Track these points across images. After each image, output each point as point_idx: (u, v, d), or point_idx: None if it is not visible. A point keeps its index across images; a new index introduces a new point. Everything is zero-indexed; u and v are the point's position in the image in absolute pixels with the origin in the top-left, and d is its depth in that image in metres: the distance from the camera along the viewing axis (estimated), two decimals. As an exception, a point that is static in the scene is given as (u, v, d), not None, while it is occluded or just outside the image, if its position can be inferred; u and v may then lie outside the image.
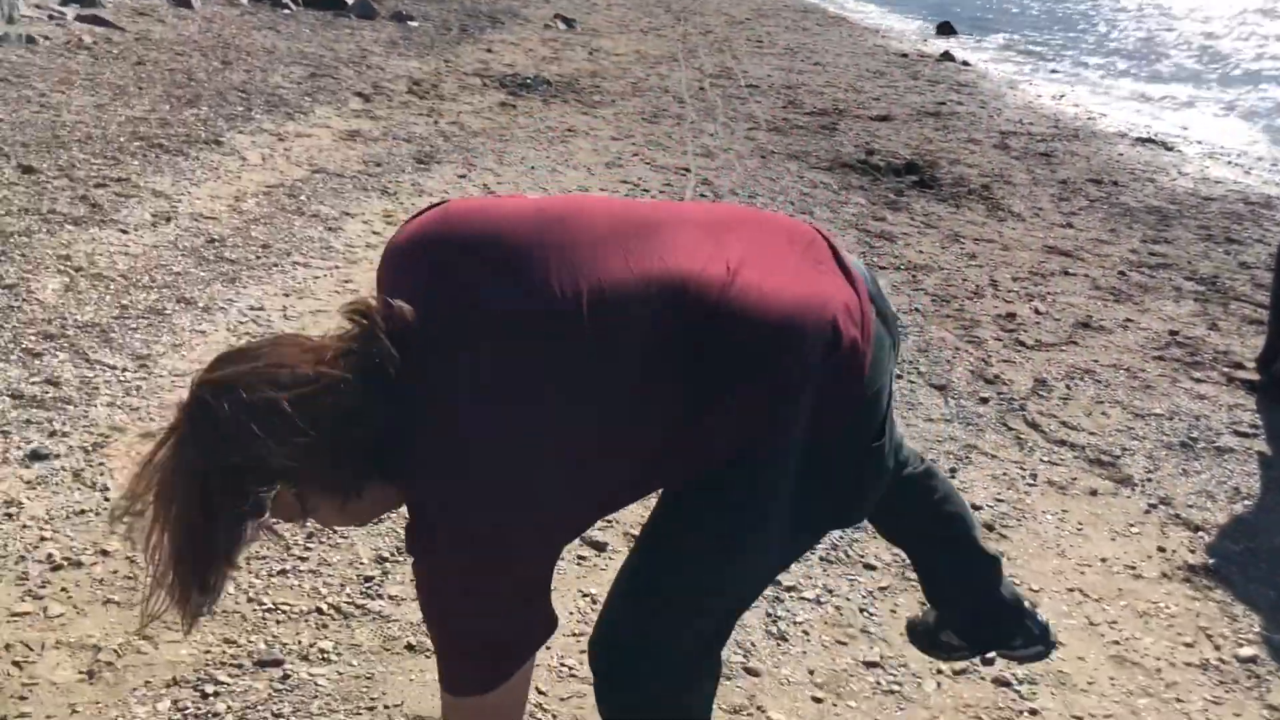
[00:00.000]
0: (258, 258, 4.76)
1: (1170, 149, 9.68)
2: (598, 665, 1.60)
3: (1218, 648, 2.74)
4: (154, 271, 4.46)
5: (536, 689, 2.34)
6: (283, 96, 7.79)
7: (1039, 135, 9.31)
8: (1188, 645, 2.74)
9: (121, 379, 3.54)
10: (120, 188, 5.40)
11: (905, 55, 14.12)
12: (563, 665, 2.45)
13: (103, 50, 8.48)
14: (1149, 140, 9.78)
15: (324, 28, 11.27)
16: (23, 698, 2.19)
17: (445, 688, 1.46)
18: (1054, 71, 14.22)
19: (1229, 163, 9.33)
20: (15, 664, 2.27)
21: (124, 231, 4.85)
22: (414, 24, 12.65)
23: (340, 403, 1.28)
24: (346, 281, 4.62)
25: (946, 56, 13.91)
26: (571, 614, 2.62)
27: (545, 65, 10.99)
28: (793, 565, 2.92)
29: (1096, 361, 4.50)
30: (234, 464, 1.25)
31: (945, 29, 17.48)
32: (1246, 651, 2.72)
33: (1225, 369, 4.53)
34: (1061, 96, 11.98)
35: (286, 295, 4.39)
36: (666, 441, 1.45)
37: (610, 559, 2.87)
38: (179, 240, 4.85)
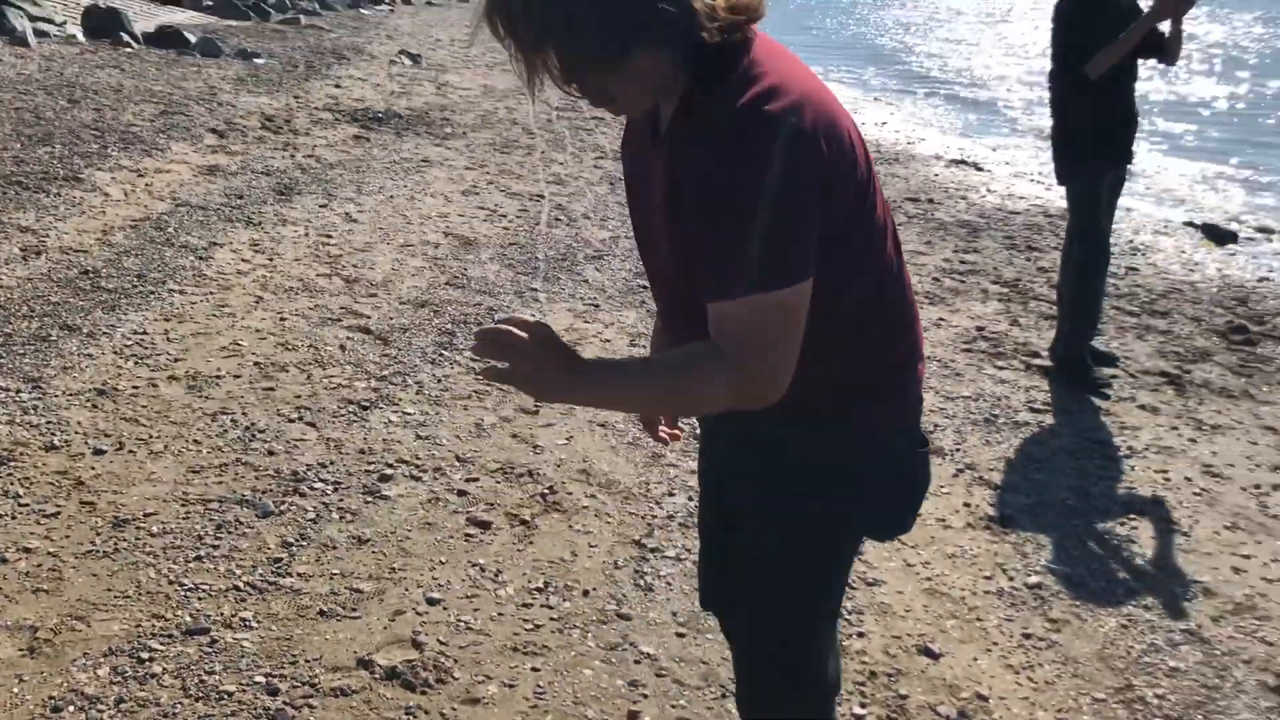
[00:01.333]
0: (134, 286, 4.94)
1: (980, 169, 10.58)
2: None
3: (1010, 579, 3.26)
4: (32, 302, 4.61)
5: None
6: (137, 134, 7.88)
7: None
8: (986, 578, 3.26)
9: (17, 399, 3.73)
10: (-16, 224, 5.50)
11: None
12: (459, 620, 2.80)
13: (-57, 90, 8.40)
14: (961, 162, 10.67)
15: (169, 66, 11.28)
16: (-30, 674, 2.42)
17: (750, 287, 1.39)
18: (876, 99, 15.19)
19: (1031, 180, 10.25)
20: (-43, 647, 2.50)
21: (-5, 265, 4.97)
22: (260, 61, 12.73)
23: None
24: (223, 305, 4.86)
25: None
26: (464, 581, 2.98)
27: (395, 99, 11.27)
28: (655, 531, 3.35)
29: (914, 355, 5.08)
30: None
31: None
32: (1034, 580, 3.26)
33: (1024, 358, 5.16)
34: (883, 123, 12.87)
35: (167, 320, 4.60)
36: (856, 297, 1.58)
37: (495, 535, 3.23)
38: (52, 272, 4.99)
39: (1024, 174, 10.61)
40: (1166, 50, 4.51)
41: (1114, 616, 3.08)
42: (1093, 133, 4.64)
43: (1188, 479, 3.96)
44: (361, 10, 25.25)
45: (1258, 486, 3.93)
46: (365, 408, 4.02)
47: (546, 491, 3.53)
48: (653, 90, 1.47)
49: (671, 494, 3.58)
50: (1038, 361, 5.10)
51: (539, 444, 3.88)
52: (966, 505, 3.69)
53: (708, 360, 1.44)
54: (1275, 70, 22.09)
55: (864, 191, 1.52)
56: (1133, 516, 3.67)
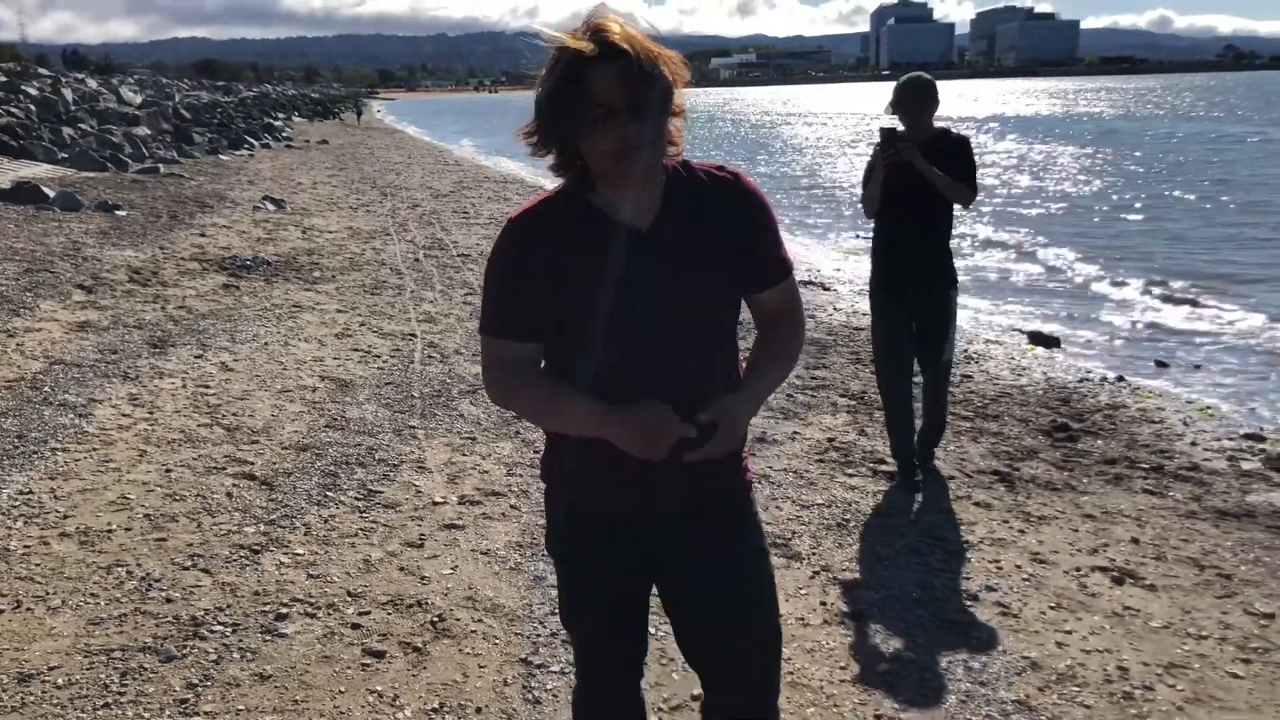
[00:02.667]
0: (15, 447, 5.04)
1: (827, 289, 11.31)
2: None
3: (863, 668, 3.62)
4: (-88, 468, 4.67)
5: None
6: (3, 294, 7.93)
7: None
8: (842, 668, 3.61)
9: (-92, 566, 3.80)
10: None
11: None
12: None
13: None
14: (811, 282, 11.37)
15: (29, 222, 11.29)
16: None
17: None
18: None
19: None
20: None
21: None
22: (122, 213, 12.80)
23: None
24: (107, 461, 4.98)
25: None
26: (364, 708, 3.18)
27: (261, 245, 11.47)
28: (541, 649, 3.60)
29: (771, 468, 5.49)
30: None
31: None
32: (884, 667, 3.62)
33: (871, 464, 5.63)
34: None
35: (52, 478, 4.71)
36: None
37: (389, 663, 3.44)
38: (-70, 438, 5.05)
39: (866, 290, 11.35)
40: (947, 193, 5.04)
41: (954, 694, 3.45)
42: (873, 266, 5.22)
43: (1017, 566, 4.41)
44: (220, 156, 25.40)
45: (1078, 569, 4.41)
46: (256, 551, 4.20)
47: (436, 619, 3.76)
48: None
49: (553, 613, 3.85)
50: (883, 468, 5.56)
51: (425, 575, 4.11)
52: (823, 604, 4.05)
53: (793, 331, 2.19)
54: (1096, 187, 24.01)
55: None
56: (970, 603, 4.08)
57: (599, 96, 1.83)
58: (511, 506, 4.89)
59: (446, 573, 4.15)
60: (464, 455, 5.50)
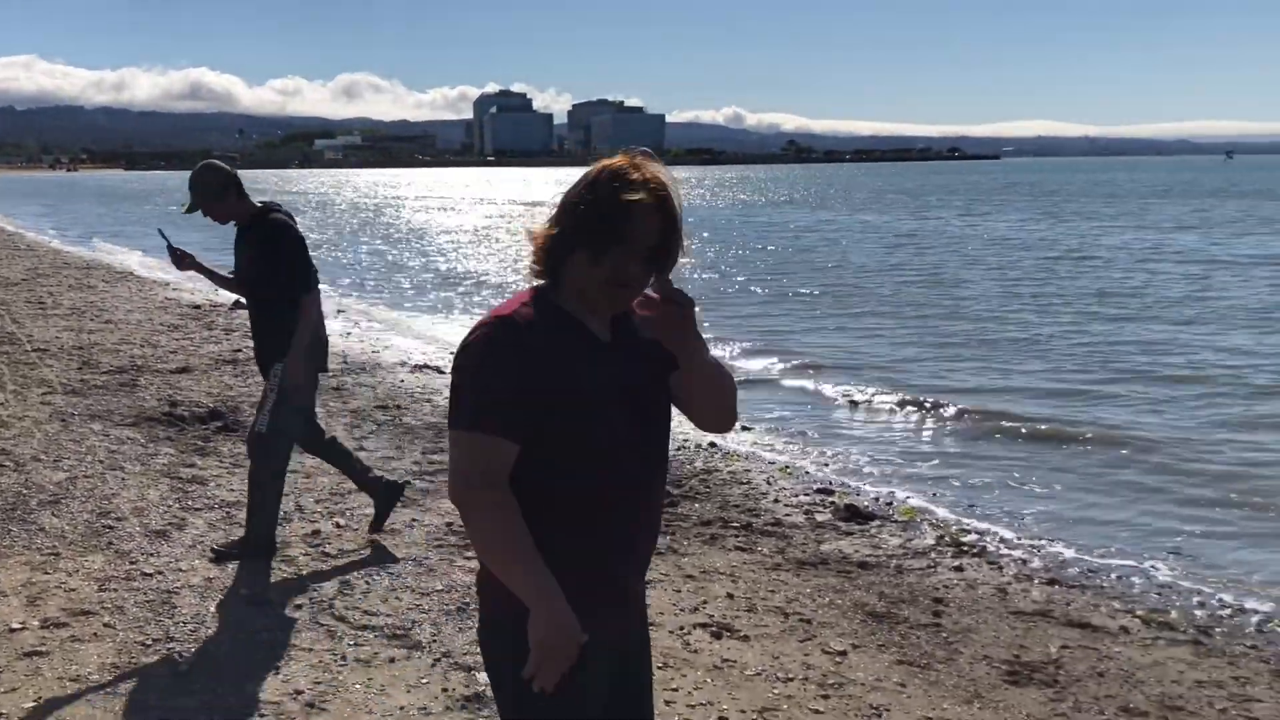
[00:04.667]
0: None
1: (442, 372, 11.40)
2: None
3: (487, 749, 3.67)
4: None
5: None
6: None
7: (330, 372, 10.45)
8: (466, 753, 3.64)
9: None
10: None
11: (198, 307, 14.75)
12: None
13: None
14: (425, 366, 11.42)
15: None
16: None
17: None
18: (340, 311, 15.74)
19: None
20: None
21: None
22: None
23: None
24: None
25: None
26: None
27: None
28: None
29: (390, 557, 5.45)
30: None
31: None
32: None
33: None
34: (348, 334, 13.40)
35: None
36: None
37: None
38: None
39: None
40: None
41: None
42: None
43: (627, 631, 4.66)
44: None
45: (682, 628, 4.72)
46: None
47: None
48: None
49: (157, 735, 3.60)
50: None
51: (3, 712, 3.71)
52: (445, 690, 4.07)
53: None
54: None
55: None
56: (585, 672, 4.25)
57: (642, 240, 1.98)
58: (105, 625, 4.52)
59: (29, 706, 3.76)
60: (46, 573, 5.02)
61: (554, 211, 2.06)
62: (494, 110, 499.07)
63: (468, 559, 5.52)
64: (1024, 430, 9.17)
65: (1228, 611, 5.36)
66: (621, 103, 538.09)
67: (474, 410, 1.99)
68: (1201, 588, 5.69)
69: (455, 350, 2.09)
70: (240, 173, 5.39)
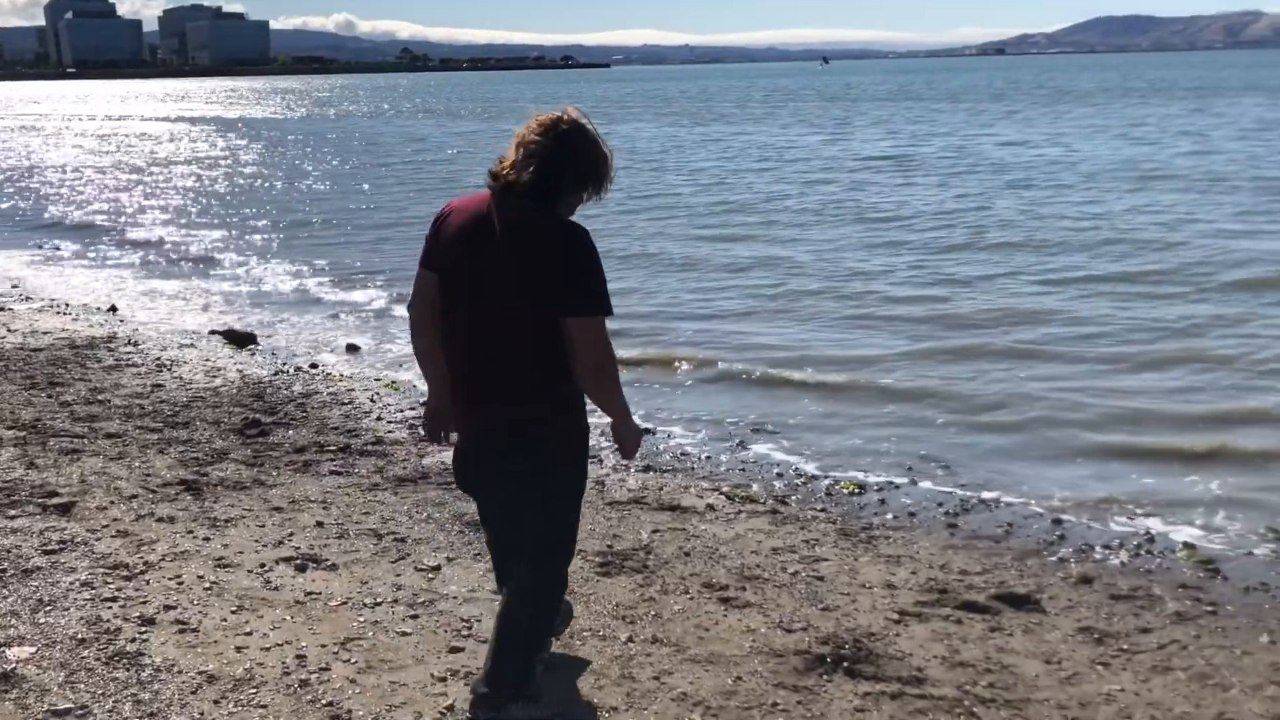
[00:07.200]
0: None
1: (3, 309, 10.07)
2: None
3: (20, 734, 3.20)
4: None
5: None
6: None
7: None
8: (-8, 743, 3.15)
9: None
10: None
11: None
12: None
13: None
14: (-18, 303, 10.03)
15: None
16: None
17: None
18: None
19: (58, 313, 10.04)
20: None
21: None
22: None
23: None
24: None
25: None
26: None
27: None
28: None
29: None
30: None
31: None
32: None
33: (40, 499, 5.05)
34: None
35: None
36: None
37: None
38: None
39: (49, 307, 10.35)
40: None
41: (124, 733, 3.20)
42: None
43: (200, 577, 4.23)
44: None
45: (263, 565, 4.37)
46: None
47: None
48: None
49: None
50: (54, 501, 5.02)
51: None
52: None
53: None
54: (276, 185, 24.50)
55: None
56: (145, 629, 3.80)
57: None
58: None
59: None
60: None
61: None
62: (70, 16, 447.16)
63: (11, 517, 4.84)
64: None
65: (801, 479, 5.72)
66: (220, 8, 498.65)
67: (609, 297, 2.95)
68: (784, 458, 6.04)
69: (580, 244, 2.89)
70: None
